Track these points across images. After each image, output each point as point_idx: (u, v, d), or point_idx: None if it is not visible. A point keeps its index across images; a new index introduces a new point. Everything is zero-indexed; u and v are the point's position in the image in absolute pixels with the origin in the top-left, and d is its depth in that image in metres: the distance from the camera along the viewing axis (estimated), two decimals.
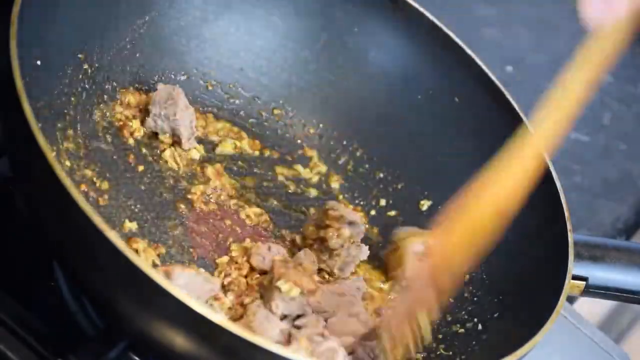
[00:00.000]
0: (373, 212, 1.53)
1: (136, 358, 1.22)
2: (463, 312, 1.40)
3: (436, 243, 1.16)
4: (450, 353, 1.35)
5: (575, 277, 1.34)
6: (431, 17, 1.52)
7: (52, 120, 1.30)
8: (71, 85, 1.35)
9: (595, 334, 1.59)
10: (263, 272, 1.34)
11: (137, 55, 1.45)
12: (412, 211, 1.52)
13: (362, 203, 1.54)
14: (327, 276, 1.39)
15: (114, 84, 1.43)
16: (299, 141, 1.56)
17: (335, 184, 1.55)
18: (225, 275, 1.32)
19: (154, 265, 1.28)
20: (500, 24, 2.17)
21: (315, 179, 1.54)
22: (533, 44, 2.17)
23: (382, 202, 1.54)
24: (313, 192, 1.52)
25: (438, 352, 1.36)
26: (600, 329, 1.62)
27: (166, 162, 1.42)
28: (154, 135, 1.44)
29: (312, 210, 1.47)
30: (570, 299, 1.69)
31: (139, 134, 1.42)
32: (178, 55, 1.50)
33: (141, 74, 1.46)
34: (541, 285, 1.35)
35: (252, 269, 1.34)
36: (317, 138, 1.57)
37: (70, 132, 1.34)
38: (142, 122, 1.43)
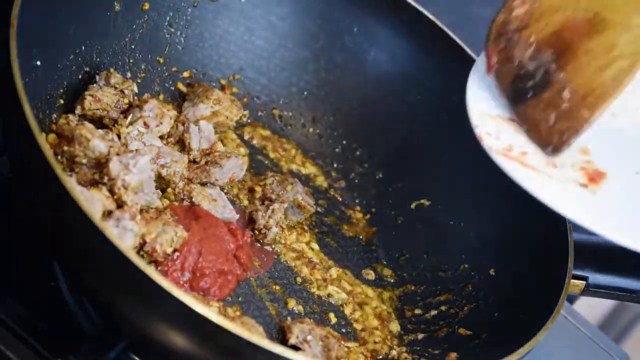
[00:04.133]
0: (373, 211, 1.54)
1: (136, 358, 1.22)
2: (464, 312, 1.40)
3: None
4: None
5: (575, 277, 1.34)
6: (431, 17, 1.52)
7: (51, 121, 1.31)
8: (71, 86, 1.35)
9: (595, 334, 1.60)
10: None
11: (137, 55, 1.45)
12: (412, 210, 1.52)
13: (362, 203, 1.54)
14: None
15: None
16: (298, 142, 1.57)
17: (335, 183, 1.55)
18: None
19: None
20: None
21: (316, 179, 1.54)
22: None
23: (382, 201, 1.54)
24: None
25: (439, 352, 1.36)
26: (600, 329, 1.62)
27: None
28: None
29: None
30: (570, 299, 1.69)
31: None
32: (178, 55, 1.50)
33: (140, 74, 1.46)
34: (541, 285, 1.35)
35: None
36: (317, 138, 1.58)
37: None
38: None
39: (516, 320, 1.33)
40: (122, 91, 1.38)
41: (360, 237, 1.51)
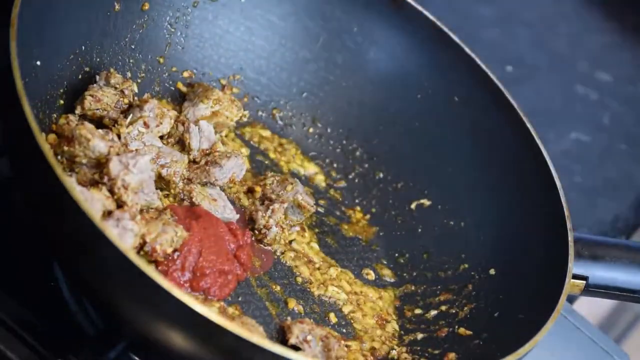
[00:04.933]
0: (373, 211, 1.54)
1: (136, 358, 1.22)
2: (464, 312, 1.40)
3: None
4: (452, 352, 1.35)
5: (575, 276, 1.34)
6: (431, 17, 1.52)
7: (51, 121, 1.31)
8: (71, 86, 1.35)
9: (595, 334, 1.59)
10: None
11: (137, 55, 1.45)
12: (412, 210, 1.52)
13: (362, 203, 1.54)
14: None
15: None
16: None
17: (335, 183, 1.55)
18: None
19: None
20: (500, 24, 2.17)
21: (315, 179, 1.54)
22: (533, 44, 2.17)
23: (382, 201, 1.54)
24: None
25: (439, 351, 1.36)
26: (600, 329, 1.62)
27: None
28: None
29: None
30: (570, 299, 1.69)
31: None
32: (178, 55, 1.50)
33: (140, 74, 1.46)
34: (541, 285, 1.35)
35: None
36: (317, 138, 1.58)
37: None
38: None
39: (516, 320, 1.33)
40: (122, 91, 1.38)
41: (360, 237, 1.50)
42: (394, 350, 1.37)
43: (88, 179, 1.24)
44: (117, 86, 1.38)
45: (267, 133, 1.56)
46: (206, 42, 1.52)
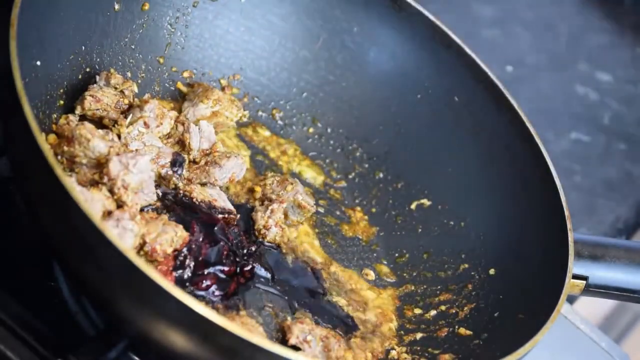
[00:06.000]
0: (373, 211, 1.54)
1: (136, 358, 1.22)
2: (464, 312, 1.40)
3: None
4: (451, 353, 1.35)
5: (575, 276, 1.34)
6: (431, 17, 1.52)
7: (51, 121, 1.31)
8: (71, 86, 1.35)
9: (595, 334, 1.59)
10: None
11: (137, 55, 1.45)
12: (412, 210, 1.52)
13: (362, 203, 1.54)
14: None
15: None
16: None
17: (335, 183, 1.55)
18: None
19: None
20: (500, 24, 2.17)
21: (315, 179, 1.54)
22: (533, 44, 2.17)
23: (382, 201, 1.54)
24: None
25: (439, 351, 1.36)
26: (600, 329, 1.62)
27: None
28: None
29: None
30: (570, 299, 1.69)
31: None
32: (178, 55, 1.50)
33: (140, 74, 1.46)
34: (541, 285, 1.35)
35: None
36: (317, 138, 1.58)
37: None
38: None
39: (516, 320, 1.33)
40: (122, 91, 1.38)
41: (360, 237, 1.51)
42: (393, 350, 1.37)
43: (88, 179, 1.24)
44: (117, 86, 1.38)
45: (267, 133, 1.56)
46: (206, 42, 1.52)
